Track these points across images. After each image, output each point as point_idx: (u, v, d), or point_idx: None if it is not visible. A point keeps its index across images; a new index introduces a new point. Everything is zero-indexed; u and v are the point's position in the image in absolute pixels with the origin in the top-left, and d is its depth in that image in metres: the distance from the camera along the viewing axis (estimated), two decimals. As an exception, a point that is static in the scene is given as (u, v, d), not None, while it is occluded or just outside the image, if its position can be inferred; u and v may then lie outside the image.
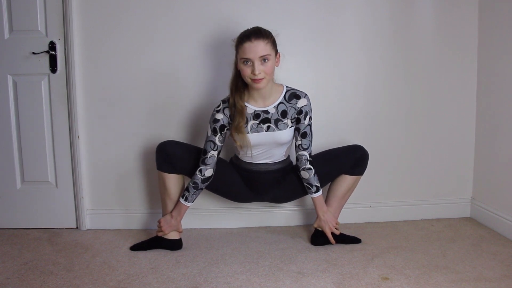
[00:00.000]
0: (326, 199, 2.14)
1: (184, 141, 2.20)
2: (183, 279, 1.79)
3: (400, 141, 2.43)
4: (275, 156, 2.03)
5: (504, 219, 2.21)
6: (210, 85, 2.30)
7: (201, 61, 2.28)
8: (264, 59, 1.83)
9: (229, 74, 2.00)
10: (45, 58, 2.25)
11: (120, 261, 1.96)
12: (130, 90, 2.29)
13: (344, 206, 2.18)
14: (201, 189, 2.01)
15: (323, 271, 1.85)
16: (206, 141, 1.97)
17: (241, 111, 1.91)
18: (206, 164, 1.96)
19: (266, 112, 1.94)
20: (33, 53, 2.23)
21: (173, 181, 2.02)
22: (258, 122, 1.94)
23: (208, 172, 1.97)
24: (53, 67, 2.25)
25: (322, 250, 2.07)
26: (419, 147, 2.44)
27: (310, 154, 2.01)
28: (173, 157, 1.97)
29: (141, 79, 2.28)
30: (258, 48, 1.81)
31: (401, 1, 2.32)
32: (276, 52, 1.91)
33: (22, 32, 2.23)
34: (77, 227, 2.37)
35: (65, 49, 2.23)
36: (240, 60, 1.87)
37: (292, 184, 2.11)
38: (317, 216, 2.09)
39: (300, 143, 1.99)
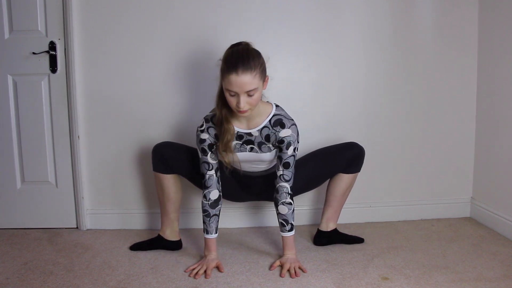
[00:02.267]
0: (326, 200, 2.13)
1: (183, 143, 2.19)
2: (183, 279, 1.79)
3: (400, 141, 2.42)
4: (266, 164, 1.95)
5: (504, 219, 2.21)
6: (212, 84, 2.29)
7: (202, 61, 2.27)
8: (250, 94, 1.69)
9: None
10: (45, 58, 2.25)
11: (120, 261, 1.96)
12: (130, 90, 2.29)
13: (344, 206, 2.17)
14: (216, 215, 1.89)
15: (323, 271, 1.85)
16: (200, 164, 1.90)
17: (230, 129, 1.81)
18: (207, 187, 1.88)
19: (249, 134, 1.86)
20: (33, 53, 2.23)
21: (171, 181, 2.00)
22: (241, 142, 1.87)
23: (213, 194, 1.88)
24: (53, 67, 2.25)
25: (322, 250, 2.07)
26: (419, 147, 2.44)
27: (291, 187, 1.86)
28: (169, 158, 1.95)
29: (141, 79, 2.28)
30: (245, 82, 1.65)
31: (401, 1, 2.32)
32: (264, 79, 1.76)
33: (22, 32, 2.23)
34: (77, 227, 2.37)
35: (65, 49, 2.23)
36: (225, 89, 1.72)
37: None
38: (284, 254, 1.91)
39: (281, 173, 1.85)
